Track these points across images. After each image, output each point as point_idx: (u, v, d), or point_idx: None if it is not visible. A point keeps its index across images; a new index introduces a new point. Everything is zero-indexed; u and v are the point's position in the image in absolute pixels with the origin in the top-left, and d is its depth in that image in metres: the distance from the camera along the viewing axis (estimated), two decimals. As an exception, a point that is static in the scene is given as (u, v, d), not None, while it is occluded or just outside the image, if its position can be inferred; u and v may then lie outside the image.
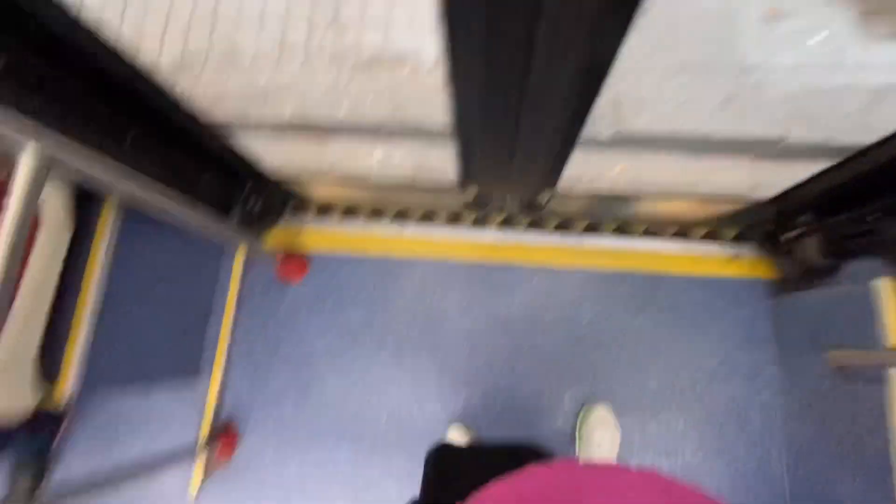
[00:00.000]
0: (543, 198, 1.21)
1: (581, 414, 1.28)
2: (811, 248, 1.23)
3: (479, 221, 1.47)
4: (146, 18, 1.76)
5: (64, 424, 1.31)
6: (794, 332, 1.25)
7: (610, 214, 1.35)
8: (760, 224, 1.32)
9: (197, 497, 1.29)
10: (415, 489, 1.28)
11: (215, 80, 1.68)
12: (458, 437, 1.24)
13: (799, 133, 1.56)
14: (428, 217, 1.49)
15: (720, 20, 1.67)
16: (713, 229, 1.43)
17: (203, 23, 1.74)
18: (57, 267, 0.91)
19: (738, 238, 1.41)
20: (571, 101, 0.76)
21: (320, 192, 1.47)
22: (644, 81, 1.66)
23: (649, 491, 0.42)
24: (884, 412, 0.97)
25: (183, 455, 1.24)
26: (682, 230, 1.42)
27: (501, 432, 1.30)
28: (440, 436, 1.29)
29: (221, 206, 1.36)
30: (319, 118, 1.59)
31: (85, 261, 0.96)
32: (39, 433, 1.19)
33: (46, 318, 0.90)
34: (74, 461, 1.35)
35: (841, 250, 1.20)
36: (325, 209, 1.53)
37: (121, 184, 0.80)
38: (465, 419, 1.31)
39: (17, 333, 0.85)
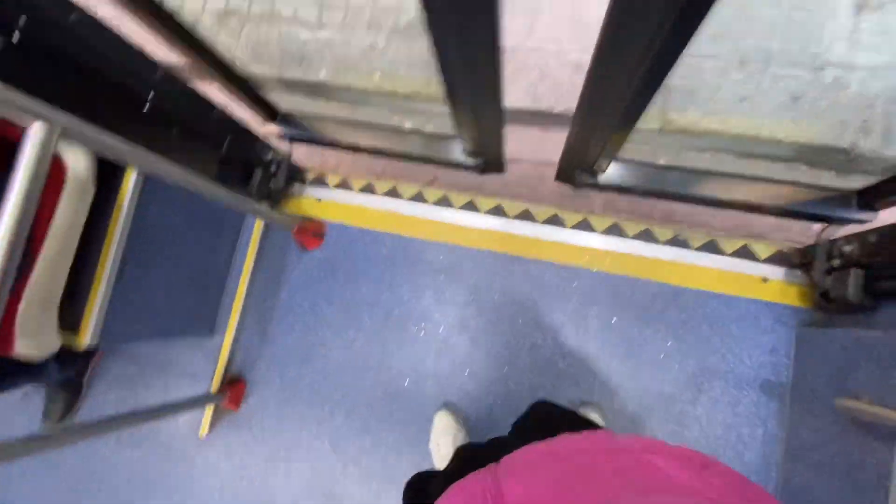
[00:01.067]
0: (603, 165, 1.13)
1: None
2: (855, 283, 1.12)
3: (497, 210, 1.43)
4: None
5: (92, 362, 1.46)
6: (814, 368, 1.16)
7: (665, 187, 1.25)
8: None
9: (205, 437, 1.41)
10: (401, 464, 1.34)
11: (255, 32, 1.67)
12: (445, 422, 1.28)
13: (871, 145, 1.39)
14: (445, 201, 1.46)
15: (808, 2, 1.46)
16: (746, 244, 1.32)
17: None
18: (79, 224, 0.96)
19: (774, 258, 1.31)
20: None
21: (343, 152, 1.45)
22: (698, 72, 1.52)
23: (681, 462, 0.41)
24: (889, 472, 0.90)
25: (195, 402, 1.35)
26: (713, 242, 1.33)
27: (490, 423, 1.32)
28: (431, 414, 1.33)
29: (243, 171, 1.39)
30: (352, 82, 1.57)
31: (108, 218, 1.02)
32: (69, 367, 1.32)
33: (68, 271, 0.97)
34: (100, 396, 1.50)
35: (885, 292, 1.09)
36: (345, 182, 1.53)
37: (135, 158, 0.83)
38: (457, 404, 1.34)
39: (43, 282, 0.92)
